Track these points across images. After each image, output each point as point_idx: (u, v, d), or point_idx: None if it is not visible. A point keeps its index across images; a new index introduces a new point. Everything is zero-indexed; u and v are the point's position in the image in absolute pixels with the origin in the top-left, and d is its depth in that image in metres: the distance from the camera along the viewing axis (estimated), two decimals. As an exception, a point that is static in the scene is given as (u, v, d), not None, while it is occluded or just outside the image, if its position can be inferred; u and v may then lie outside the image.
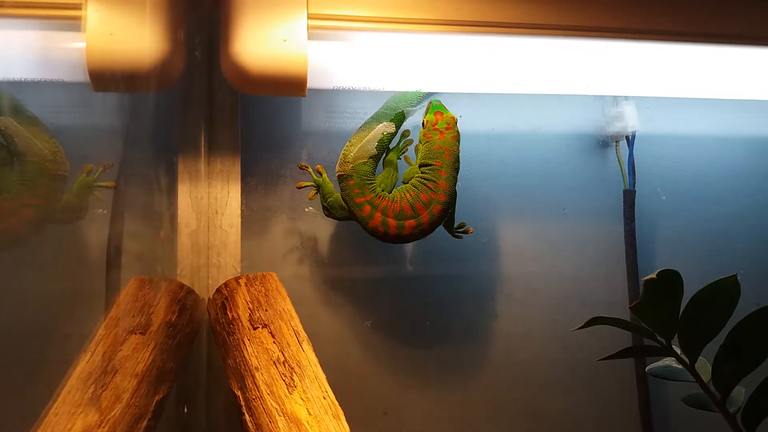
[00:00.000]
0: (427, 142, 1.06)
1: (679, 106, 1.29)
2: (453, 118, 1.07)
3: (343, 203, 1.06)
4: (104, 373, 0.84)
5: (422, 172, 1.05)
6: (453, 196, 1.06)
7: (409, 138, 1.11)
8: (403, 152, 1.11)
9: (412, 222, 1.03)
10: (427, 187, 1.04)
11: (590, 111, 1.27)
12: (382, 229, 1.04)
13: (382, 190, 1.06)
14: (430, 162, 1.05)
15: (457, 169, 1.06)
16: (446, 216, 1.06)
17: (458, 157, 1.06)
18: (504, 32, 1.02)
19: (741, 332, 0.92)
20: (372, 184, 1.06)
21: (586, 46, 1.07)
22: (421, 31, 1.01)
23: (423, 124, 1.08)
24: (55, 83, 0.98)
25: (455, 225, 1.11)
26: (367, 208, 1.04)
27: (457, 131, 1.06)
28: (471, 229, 1.12)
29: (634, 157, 1.24)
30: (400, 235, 1.04)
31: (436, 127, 1.06)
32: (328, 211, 1.08)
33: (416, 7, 1.00)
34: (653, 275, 0.89)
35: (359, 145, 1.06)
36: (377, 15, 1.00)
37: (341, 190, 1.06)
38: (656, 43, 1.07)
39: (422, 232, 1.04)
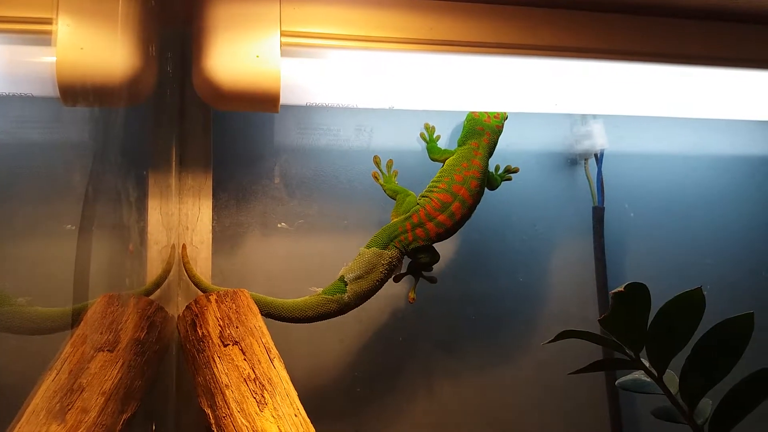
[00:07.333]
0: (472, 119, 1.12)
1: (647, 125, 1.32)
2: (505, 115, 1.13)
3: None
4: (71, 391, 0.82)
5: (458, 152, 1.10)
6: (486, 173, 1.11)
7: (388, 162, 1.13)
8: (395, 175, 1.13)
9: (456, 204, 1.06)
10: (462, 166, 1.08)
11: (559, 129, 1.29)
12: (441, 230, 1.07)
13: (405, 212, 1.08)
14: (467, 141, 1.10)
15: (490, 154, 1.12)
16: (483, 191, 1.10)
17: (494, 146, 1.12)
18: (475, 51, 1.04)
19: (707, 344, 0.93)
20: (396, 226, 1.07)
21: (556, 66, 1.09)
22: (393, 50, 1.02)
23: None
24: (25, 97, 0.97)
25: (499, 171, 1.17)
26: (419, 231, 1.06)
27: (502, 126, 1.13)
28: (518, 168, 1.17)
29: (603, 174, 1.26)
30: (455, 221, 1.07)
31: (488, 112, 1.12)
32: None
33: (389, 26, 1.01)
34: (621, 288, 0.90)
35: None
36: (350, 33, 1.00)
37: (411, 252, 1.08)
38: (624, 63, 1.09)
39: (469, 208, 1.08)
